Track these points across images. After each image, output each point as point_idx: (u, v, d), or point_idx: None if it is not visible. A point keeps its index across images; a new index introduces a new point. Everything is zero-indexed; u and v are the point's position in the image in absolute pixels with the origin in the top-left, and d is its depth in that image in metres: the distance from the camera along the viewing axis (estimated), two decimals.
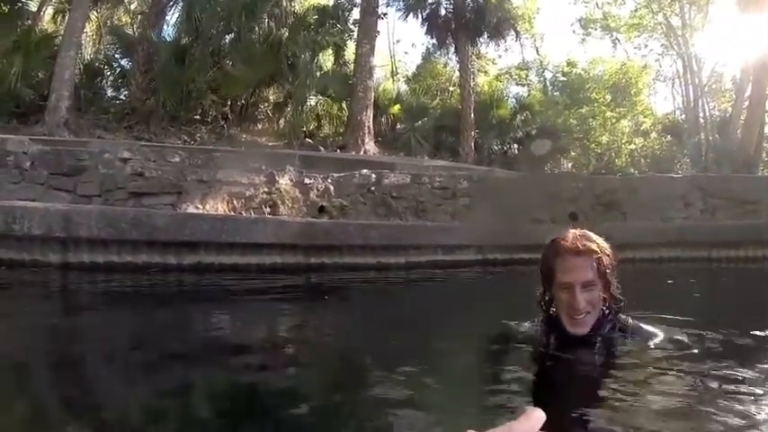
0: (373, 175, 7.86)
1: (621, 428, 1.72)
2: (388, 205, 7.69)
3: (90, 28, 17.68)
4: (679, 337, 2.39)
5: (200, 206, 6.57)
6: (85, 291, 5.16)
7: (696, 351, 2.35)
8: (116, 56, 15.95)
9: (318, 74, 15.44)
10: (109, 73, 16.03)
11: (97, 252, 5.61)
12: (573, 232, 2.18)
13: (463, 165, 13.24)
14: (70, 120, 12.44)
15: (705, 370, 2.19)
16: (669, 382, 2.04)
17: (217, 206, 6.60)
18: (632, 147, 23.67)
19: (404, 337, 3.30)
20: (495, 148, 19.03)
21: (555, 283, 2.15)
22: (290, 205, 6.88)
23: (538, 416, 0.57)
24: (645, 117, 25.32)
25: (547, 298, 2.25)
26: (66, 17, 14.24)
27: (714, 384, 2.04)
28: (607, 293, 2.13)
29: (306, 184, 7.22)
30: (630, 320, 2.28)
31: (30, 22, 14.89)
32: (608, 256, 2.12)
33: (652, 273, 7.20)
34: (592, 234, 2.19)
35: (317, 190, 7.25)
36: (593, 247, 2.10)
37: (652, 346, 2.26)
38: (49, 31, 15.50)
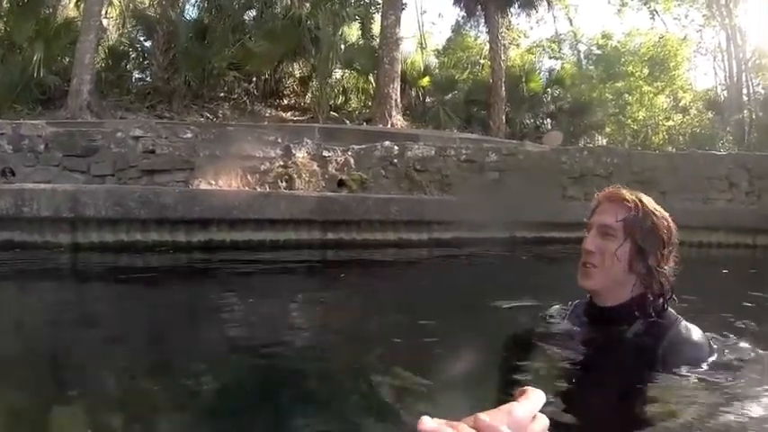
0: (396, 148, 7.49)
1: None
2: (412, 179, 7.32)
3: (114, 12, 17.73)
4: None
5: (212, 182, 6.32)
6: (95, 271, 5.05)
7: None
8: (139, 38, 15.91)
9: (343, 47, 15.14)
10: (134, 55, 16.01)
11: (106, 231, 5.47)
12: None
13: (492, 138, 12.80)
14: (92, 102, 12.48)
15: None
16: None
17: (230, 182, 6.33)
18: (670, 123, 22.71)
19: (422, 320, 3.07)
20: (528, 122, 18.47)
21: None
22: (307, 179, 6.58)
23: (538, 396, 0.60)
24: (684, 92, 24.32)
25: None
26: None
27: None
28: (636, 263, 1.73)
29: (324, 156, 6.91)
30: (681, 326, 1.74)
31: (50, 10, 14.92)
32: (651, 219, 1.77)
33: (695, 258, 6.74)
34: (645, 196, 1.86)
35: (336, 163, 6.94)
36: (632, 197, 1.79)
37: (681, 384, 1.67)
38: (72, 16, 15.55)
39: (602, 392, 1.75)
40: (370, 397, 2.01)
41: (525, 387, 0.62)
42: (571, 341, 1.89)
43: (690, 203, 8.19)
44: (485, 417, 0.54)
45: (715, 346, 1.78)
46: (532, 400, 0.59)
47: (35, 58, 12.70)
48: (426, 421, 0.54)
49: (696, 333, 1.75)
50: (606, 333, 1.80)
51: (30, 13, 13.74)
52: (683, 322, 1.75)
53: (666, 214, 1.84)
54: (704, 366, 1.69)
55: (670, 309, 1.77)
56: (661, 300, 1.75)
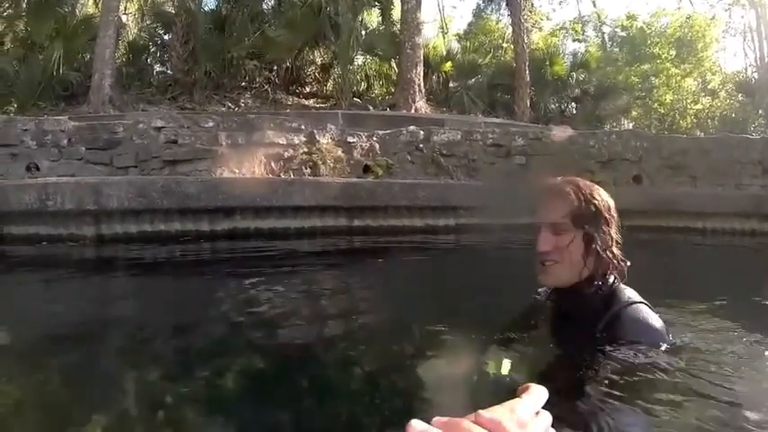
0: (421, 132, 7.35)
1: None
2: (438, 164, 7.16)
3: (132, 8, 17.80)
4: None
5: (236, 170, 6.24)
6: (120, 262, 5.02)
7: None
8: (158, 31, 15.90)
9: (364, 33, 14.99)
10: (153, 49, 16.05)
11: (129, 222, 5.52)
12: (564, 177, 1.96)
13: (518, 122, 12.56)
14: (114, 97, 12.56)
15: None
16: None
17: (254, 169, 6.24)
18: (699, 107, 22.06)
19: (451, 307, 3.05)
20: (552, 106, 18.17)
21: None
22: (331, 165, 6.47)
23: (540, 393, 0.60)
24: (713, 74, 23.61)
25: None
26: None
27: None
28: (594, 250, 1.82)
29: (349, 142, 6.79)
30: (630, 306, 1.78)
31: (69, 8, 15.02)
32: (593, 204, 1.84)
33: (729, 247, 6.56)
34: (586, 181, 1.93)
35: (362, 149, 6.81)
36: (570, 189, 1.86)
37: (630, 345, 1.72)
38: (90, 13, 15.64)
39: (545, 364, 1.82)
40: (392, 385, 2.04)
41: (527, 384, 0.61)
42: (541, 318, 2.01)
43: (721, 189, 7.92)
44: (486, 413, 0.54)
45: (663, 328, 1.80)
46: (534, 397, 0.60)
47: (55, 56, 12.74)
48: (415, 425, 0.53)
49: (645, 314, 1.78)
50: (566, 310, 1.90)
51: (48, 12, 13.80)
52: (635, 304, 1.78)
53: (602, 192, 1.90)
54: (643, 345, 1.72)
55: (628, 289, 1.83)
56: (610, 276, 1.83)
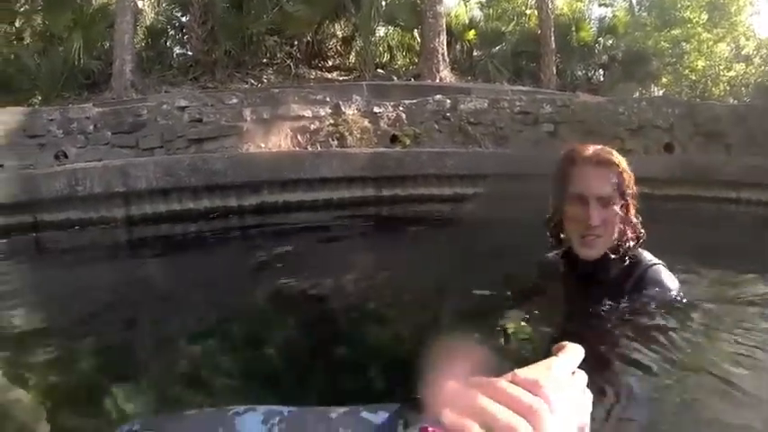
0: (448, 101, 7.26)
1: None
2: (466, 132, 7.07)
3: None
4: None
5: (262, 145, 6.23)
6: (151, 241, 5.12)
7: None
8: (175, 14, 15.94)
9: (384, 3, 14.80)
10: (172, 31, 16.12)
11: (158, 202, 5.56)
12: (593, 146, 1.94)
13: (544, 90, 12.32)
14: (136, 81, 12.66)
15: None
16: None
17: (280, 143, 6.22)
18: (732, 74, 21.35)
19: (465, 271, 3.10)
20: (579, 73, 17.79)
21: (567, 197, 1.88)
22: (358, 136, 6.44)
23: (577, 351, 0.59)
24: (747, 40, 22.82)
25: (556, 220, 1.98)
26: None
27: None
28: (626, 219, 1.87)
29: (375, 113, 6.75)
30: (652, 267, 1.88)
31: None
32: (630, 175, 1.87)
33: (764, 218, 6.30)
34: (614, 151, 1.94)
35: (388, 119, 6.77)
36: (615, 159, 1.87)
37: (653, 305, 1.85)
38: (106, 1, 15.71)
39: (569, 327, 1.90)
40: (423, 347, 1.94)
41: (563, 342, 0.61)
42: (557, 280, 2.03)
43: (759, 158, 7.63)
44: (522, 372, 0.54)
45: (680, 288, 1.88)
46: (571, 355, 0.59)
47: (75, 46, 12.83)
48: (451, 385, 0.51)
49: (665, 275, 1.87)
50: (586, 273, 1.91)
51: (65, 4, 13.87)
52: (656, 265, 1.88)
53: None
54: (667, 305, 1.83)
55: (645, 252, 1.91)
56: (633, 243, 1.87)
